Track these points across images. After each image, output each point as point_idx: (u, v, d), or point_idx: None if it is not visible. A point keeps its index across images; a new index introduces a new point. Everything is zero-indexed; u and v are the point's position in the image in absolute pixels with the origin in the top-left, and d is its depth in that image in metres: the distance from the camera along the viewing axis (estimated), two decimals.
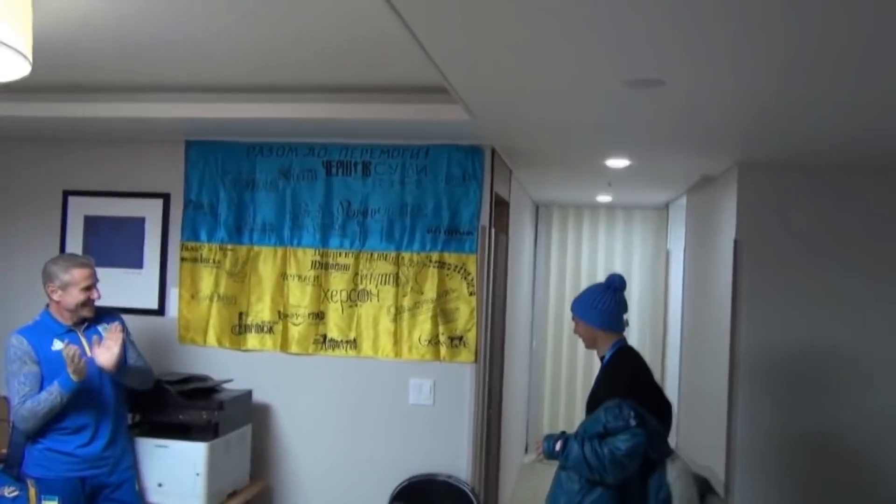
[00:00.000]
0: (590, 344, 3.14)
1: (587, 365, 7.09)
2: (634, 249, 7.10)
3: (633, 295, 6.86)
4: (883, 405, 3.78)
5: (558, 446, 2.87)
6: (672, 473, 2.80)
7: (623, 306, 3.12)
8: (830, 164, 3.80)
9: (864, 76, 2.26)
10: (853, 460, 3.79)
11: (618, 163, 4.19)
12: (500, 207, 4.52)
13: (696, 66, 2.23)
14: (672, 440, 5.35)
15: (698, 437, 4.63)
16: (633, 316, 6.80)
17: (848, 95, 2.54)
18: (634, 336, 6.72)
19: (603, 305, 3.06)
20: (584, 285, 7.30)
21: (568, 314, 7.07)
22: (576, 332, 3.18)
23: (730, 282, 3.94)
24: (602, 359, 3.11)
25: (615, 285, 3.12)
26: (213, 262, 3.85)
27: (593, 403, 2.96)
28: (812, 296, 3.85)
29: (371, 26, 2.22)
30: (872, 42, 1.95)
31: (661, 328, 6.66)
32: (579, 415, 4.53)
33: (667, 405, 3.03)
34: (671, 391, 5.52)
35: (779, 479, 3.83)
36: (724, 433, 3.89)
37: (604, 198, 6.52)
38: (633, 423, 2.72)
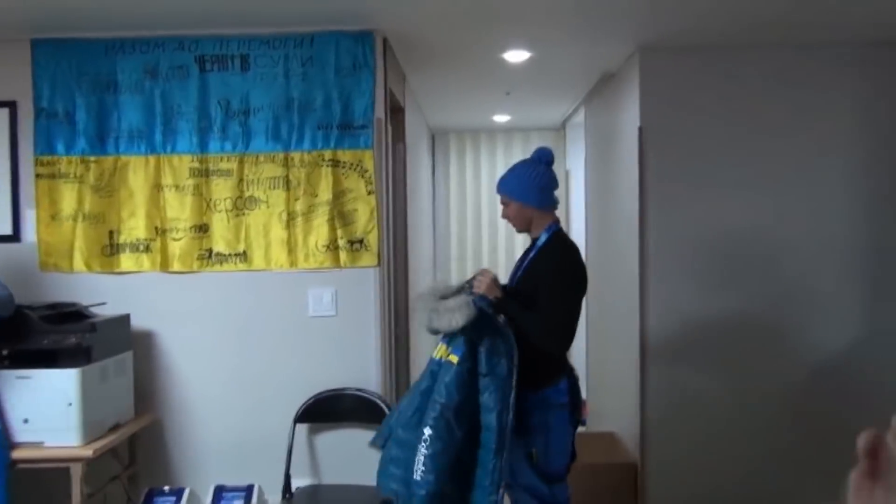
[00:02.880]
0: (523, 226, 2.83)
1: None
2: None
3: None
4: (793, 286, 3.77)
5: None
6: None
7: (556, 182, 2.84)
8: (727, 44, 3.72)
9: None
10: (770, 342, 3.78)
11: (518, 56, 3.97)
12: (397, 115, 4.24)
13: None
14: (581, 345, 5.30)
15: (609, 338, 4.56)
16: None
17: None
18: None
19: (538, 181, 2.76)
20: (485, 211, 7.15)
21: (473, 241, 7.07)
22: (505, 215, 2.86)
23: (636, 172, 3.82)
24: (535, 240, 2.82)
25: (546, 159, 2.81)
26: (75, 176, 3.39)
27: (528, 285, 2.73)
28: (716, 179, 3.79)
29: None
30: None
31: None
32: None
33: None
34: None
35: (694, 368, 3.79)
36: (637, 327, 3.80)
37: (501, 117, 6.34)
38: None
